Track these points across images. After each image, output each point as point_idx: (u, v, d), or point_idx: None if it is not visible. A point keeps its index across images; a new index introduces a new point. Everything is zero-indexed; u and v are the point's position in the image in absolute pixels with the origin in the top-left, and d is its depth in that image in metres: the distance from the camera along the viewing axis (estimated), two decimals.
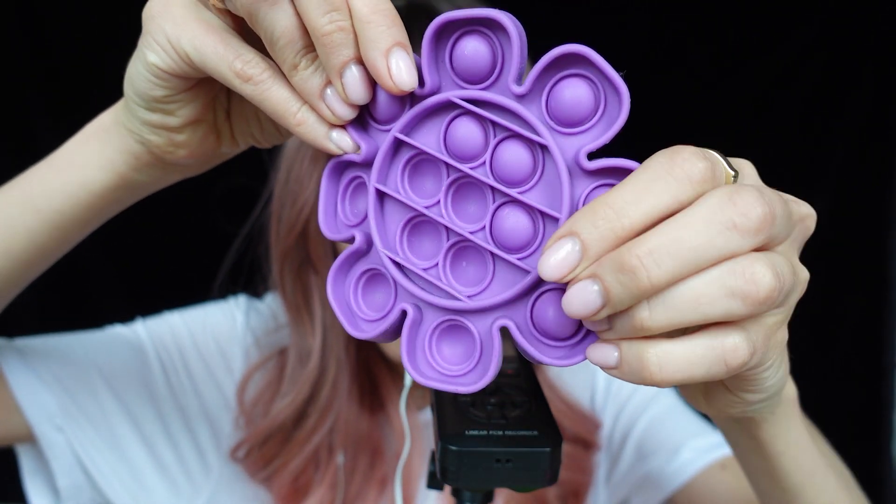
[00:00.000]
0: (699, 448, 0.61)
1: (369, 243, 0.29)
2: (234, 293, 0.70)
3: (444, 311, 0.27)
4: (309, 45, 0.27)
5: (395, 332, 0.28)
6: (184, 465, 0.61)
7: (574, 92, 0.25)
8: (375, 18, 0.25)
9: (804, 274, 0.28)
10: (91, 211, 0.38)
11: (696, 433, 0.63)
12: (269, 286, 0.67)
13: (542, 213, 0.26)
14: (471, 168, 0.27)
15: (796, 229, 0.28)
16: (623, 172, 0.25)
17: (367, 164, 0.29)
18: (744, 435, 0.36)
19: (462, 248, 0.28)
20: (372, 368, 0.63)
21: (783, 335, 0.27)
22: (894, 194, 1.22)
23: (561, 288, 0.25)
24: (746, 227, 0.22)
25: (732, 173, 0.26)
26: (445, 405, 0.33)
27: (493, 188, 0.27)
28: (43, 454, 0.55)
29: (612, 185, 0.25)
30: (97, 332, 0.60)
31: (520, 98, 0.26)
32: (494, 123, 0.27)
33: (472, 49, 0.26)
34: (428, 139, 0.28)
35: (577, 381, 0.70)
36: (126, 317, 0.65)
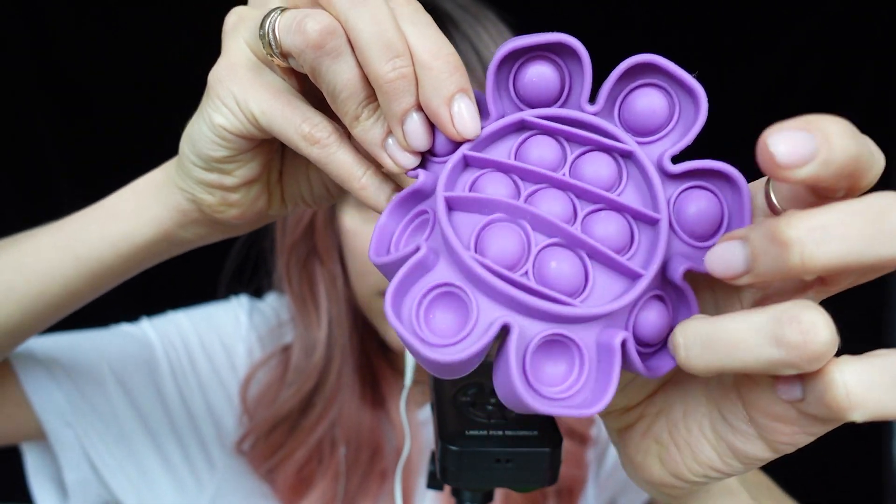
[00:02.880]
0: None
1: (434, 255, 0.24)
2: (237, 292, 0.70)
3: (545, 322, 0.23)
4: (371, 95, 0.27)
5: (482, 352, 0.24)
6: (189, 461, 0.61)
7: (648, 101, 0.25)
8: (438, 65, 0.25)
9: None
10: (130, 263, 0.38)
11: None
12: (274, 282, 0.67)
13: (636, 216, 0.25)
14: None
15: None
16: (709, 174, 0.25)
17: (423, 196, 0.26)
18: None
19: (546, 251, 0.24)
20: (373, 363, 0.64)
21: None
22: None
23: (657, 296, 0.24)
24: (801, 350, 0.20)
25: None
26: (445, 405, 0.33)
27: (578, 196, 0.25)
28: (52, 449, 0.55)
29: (700, 188, 0.25)
30: (106, 330, 0.61)
31: (594, 115, 0.25)
32: (570, 139, 0.26)
33: (539, 74, 0.25)
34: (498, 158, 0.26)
35: None
36: (130, 315, 0.65)
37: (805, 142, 0.20)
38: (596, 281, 0.24)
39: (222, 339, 0.65)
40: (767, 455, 0.25)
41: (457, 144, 0.26)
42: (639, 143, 0.25)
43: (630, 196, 0.25)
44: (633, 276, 0.24)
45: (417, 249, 0.24)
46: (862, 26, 1.18)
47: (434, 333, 0.24)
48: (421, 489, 0.62)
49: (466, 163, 0.26)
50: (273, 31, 0.27)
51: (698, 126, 0.25)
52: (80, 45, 1.09)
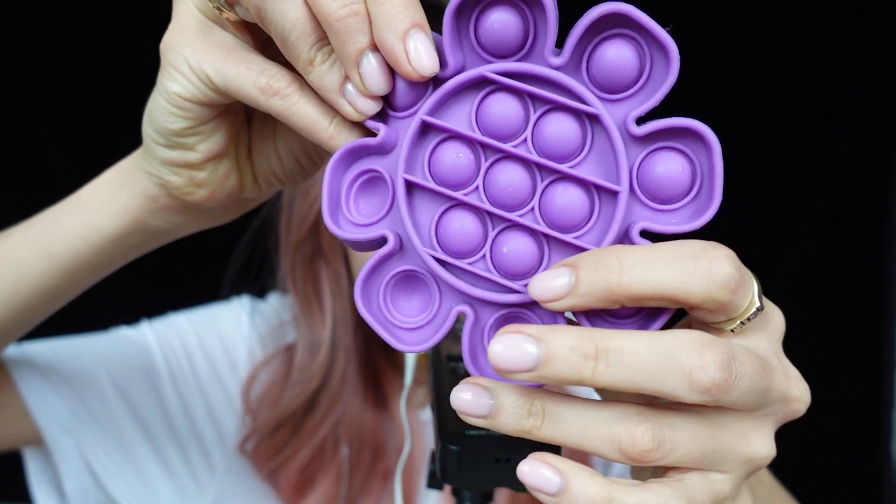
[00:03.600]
0: None
1: (400, 243, 0.26)
2: (241, 292, 0.70)
3: (500, 306, 0.25)
4: (323, 37, 0.25)
5: (444, 337, 0.26)
6: (189, 464, 0.61)
7: (617, 54, 0.24)
8: None
9: (762, 450, 0.25)
10: (104, 256, 0.37)
11: None
12: (277, 282, 0.67)
13: (598, 187, 0.24)
14: (512, 146, 0.25)
15: (774, 407, 0.25)
16: (677, 133, 0.24)
17: (382, 152, 0.26)
18: None
19: (504, 234, 0.25)
20: (376, 363, 0.64)
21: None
22: (894, 194, 1.22)
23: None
24: (698, 382, 0.21)
25: (757, 304, 0.24)
26: (445, 405, 0.33)
27: (538, 166, 0.25)
28: (51, 457, 0.55)
29: (667, 148, 0.24)
30: (104, 335, 0.61)
31: (559, 68, 0.24)
32: (534, 97, 0.24)
33: (501, 20, 0.24)
34: (457, 122, 0.25)
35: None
36: (131, 317, 0.65)
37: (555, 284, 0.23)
38: (551, 259, 0.25)
39: (223, 340, 0.65)
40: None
41: (419, 93, 0.25)
42: (606, 100, 0.24)
43: (593, 162, 0.25)
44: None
45: (384, 240, 0.25)
46: (860, 26, 1.18)
47: (401, 315, 0.26)
48: (422, 489, 0.62)
49: (425, 125, 0.25)
50: None
51: (668, 85, 0.23)
52: (81, 44, 1.09)
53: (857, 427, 1.24)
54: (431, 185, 0.25)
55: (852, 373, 1.24)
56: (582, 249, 0.24)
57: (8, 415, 0.53)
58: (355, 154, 0.26)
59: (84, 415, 0.55)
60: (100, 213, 0.36)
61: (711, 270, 0.22)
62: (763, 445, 0.24)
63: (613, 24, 0.24)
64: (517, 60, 0.25)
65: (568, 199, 0.24)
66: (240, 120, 0.33)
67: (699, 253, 0.22)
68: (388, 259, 0.26)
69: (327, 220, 0.26)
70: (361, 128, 0.27)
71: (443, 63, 0.25)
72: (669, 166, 0.24)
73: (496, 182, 0.25)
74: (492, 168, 0.25)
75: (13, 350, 0.54)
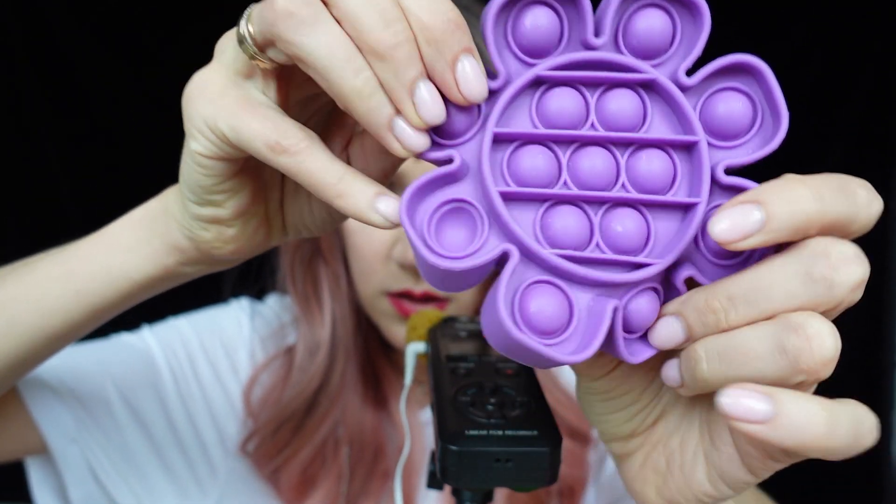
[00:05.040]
0: None
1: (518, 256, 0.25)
2: (240, 294, 0.70)
3: (631, 285, 0.25)
4: (366, 65, 0.23)
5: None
6: (192, 468, 0.61)
7: (648, 22, 0.25)
8: (437, 24, 0.23)
9: None
10: (130, 298, 0.38)
11: None
12: (277, 283, 0.68)
13: (673, 145, 0.25)
14: (581, 133, 0.25)
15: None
16: (726, 71, 0.26)
17: (454, 181, 0.25)
18: None
19: (608, 215, 0.25)
20: (375, 363, 0.64)
21: None
22: (894, 194, 1.22)
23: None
24: (839, 283, 0.22)
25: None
26: (445, 405, 0.33)
27: (613, 143, 0.25)
28: (56, 466, 0.55)
29: (722, 90, 0.26)
30: (107, 342, 0.61)
31: (601, 48, 0.25)
32: (586, 82, 0.25)
33: (536, 19, 0.25)
34: (522, 126, 0.25)
35: (574, 378, 0.70)
36: (131, 319, 0.65)
37: (746, 216, 0.22)
38: (658, 226, 0.25)
39: (224, 343, 0.65)
40: (750, 479, 0.25)
41: (467, 118, 0.25)
42: (652, 66, 0.25)
43: (660, 125, 0.26)
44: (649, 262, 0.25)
45: (505, 256, 0.24)
46: (860, 26, 1.18)
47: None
48: (422, 489, 0.62)
49: (495, 138, 0.25)
50: (248, 24, 0.25)
51: (703, 37, 0.25)
52: (82, 48, 1.09)
53: None
54: (526, 190, 0.25)
55: (852, 373, 1.24)
56: (683, 205, 0.25)
57: (15, 427, 0.53)
58: (431, 186, 0.25)
59: (89, 424, 0.56)
60: (128, 257, 0.36)
61: (869, 201, 0.24)
62: None
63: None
64: (560, 54, 0.25)
65: (651, 164, 0.25)
66: (267, 173, 0.33)
67: (854, 182, 0.23)
68: (517, 271, 0.24)
69: (429, 256, 0.24)
70: (376, 185, 0.26)
71: (490, 73, 0.25)
72: (729, 105, 0.25)
73: (580, 170, 0.25)
74: (571, 160, 0.25)
75: None
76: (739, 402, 0.21)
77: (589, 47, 0.25)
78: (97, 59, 1.09)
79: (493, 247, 0.24)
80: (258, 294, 0.72)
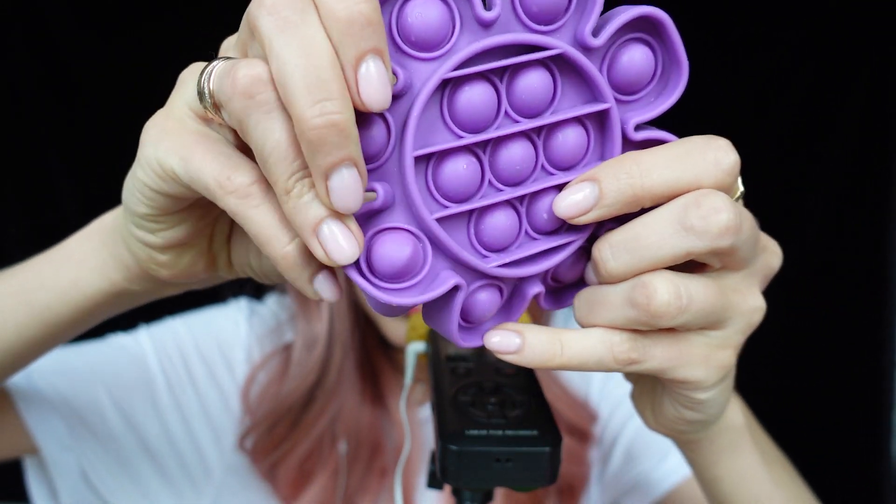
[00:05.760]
0: None
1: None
2: (240, 293, 0.70)
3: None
4: (305, 167, 0.22)
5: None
6: (186, 469, 0.61)
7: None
8: (346, 16, 0.21)
9: (755, 303, 0.28)
10: (81, 313, 0.37)
11: None
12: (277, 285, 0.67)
13: (588, 115, 0.26)
14: (496, 127, 0.25)
15: (760, 259, 0.29)
16: (628, 27, 0.26)
17: (385, 209, 0.25)
18: (684, 454, 0.37)
19: (532, 205, 0.27)
20: (373, 360, 0.64)
21: (724, 360, 0.28)
22: (894, 194, 1.22)
23: (584, 247, 0.28)
24: (705, 230, 0.24)
25: (741, 189, 0.27)
26: (445, 405, 0.33)
27: (530, 132, 0.26)
28: (48, 472, 0.56)
29: (622, 43, 0.26)
30: (100, 344, 0.61)
31: (492, 23, 0.24)
32: (491, 71, 0.24)
33: (422, 9, 0.23)
34: (436, 133, 0.25)
35: (574, 376, 0.71)
36: (130, 318, 0.65)
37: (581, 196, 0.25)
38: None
39: (220, 344, 0.65)
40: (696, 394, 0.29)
41: (379, 135, 0.23)
42: (547, 31, 0.25)
43: (571, 95, 0.26)
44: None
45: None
46: (860, 26, 1.18)
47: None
48: (421, 488, 0.62)
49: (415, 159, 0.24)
50: (209, 80, 0.24)
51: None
52: (83, 45, 1.09)
53: (856, 427, 1.24)
54: (459, 209, 0.25)
55: (852, 373, 1.24)
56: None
57: (8, 434, 0.53)
58: (363, 222, 0.24)
59: (82, 431, 0.56)
60: (79, 269, 0.35)
61: (718, 160, 0.25)
62: (756, 300, 0.28)
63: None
64: (457, 43, 0.24)
65: (567, 139, 0.26)
66: (216, 213, 0.31)
67: (704, 146, 0.25)
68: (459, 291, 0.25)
69: (382, 296, 0.24)
70: (318, 264, 0.25)
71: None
72: (631, 55, 0.26)
73: (501, 166, 0.26)
74: (492, 157, 0.26)
75: None
76: (500, 339, 0.26)
77: (484, 23, 0.24)
78: (97, 57, 1.09)
79: (445, 279, 0.25)
80: (259, 294, 0.72)
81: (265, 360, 0.64)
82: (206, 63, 0.26)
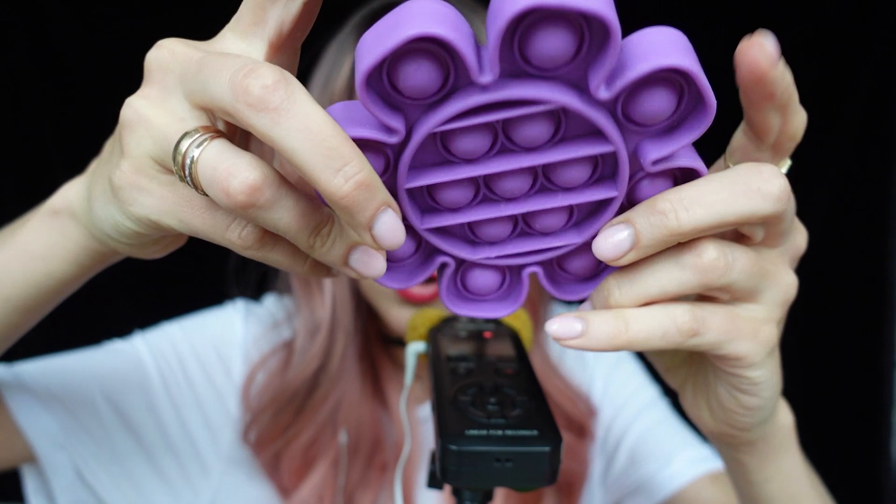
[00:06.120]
0: (690, 459, 0.63)
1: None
2: (241, 292, 0.71)
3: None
4: (321, 222, 0.25)
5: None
6: (184, 470, 0.61)
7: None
8: (346, 192, 0.22)
9: (791, 278, 0.30)
10: (59, 293, 0.38)
11: (688, 444, 0.65)
12: (279, 283, 0.68)
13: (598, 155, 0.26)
14: (496, 156, 0.26)
15: (791, 237, 0.30)
16: (645, 81, 0.24)
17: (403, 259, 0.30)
18: (735, 457, 0.37)
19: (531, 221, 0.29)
20: (374, 356, 0.65)
21: (769, 334, 0.29)
22: (894, 194, 1.22)
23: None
24: (769, 192, 0.25)
25: (789, 162, 0.30)
26: (445, 405, 0.33)
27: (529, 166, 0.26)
28: (44, 473, 0.56)
29: (646, 89, 0.24)
30: (96, 350, 0.61)
31: (487, 87, 0.23)
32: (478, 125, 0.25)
33: (416, 68, 0.23)
34: (435, 171, 0.26)
35: (576, 375, 0.71)
36: (128, 322, 0.66)
37: None
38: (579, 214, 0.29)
39: (217, 347, 0.65)
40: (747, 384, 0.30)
41: (381, 167, 0.26)
42: (551, 75, 0.24)
43: (574, 126, 0.25)
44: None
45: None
46: (861, 26, 1.18)
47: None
48: (421, 488, 0.62)
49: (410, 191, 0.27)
50: (190, 172, 0.24)
51: (615, 46, 0.22)
52: (82, 43, 1.09)
53: (857, 427, 1.24)
54: (452, 219, 0.28)
55: (852, 373, 1.24)
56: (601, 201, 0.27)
57: (2, 435, 0.53)
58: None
59: (76, 430, 0.56)
60: (47, 261, 0.35)
61: (763, 189, 0.25)
62: (791, 276, 0.30)
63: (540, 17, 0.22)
64: (450, 95, 0.24)
65: (568, 171, 0.26)
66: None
67: (747, 174, 0.25)
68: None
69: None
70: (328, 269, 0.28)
71: (386, 128, 0.24)
72: (651, 99, 0.24)
73: (496, 189, 0.27)
74: (488, 180, 0.27)
75: (3, 371, 0.55)
76: (559, 326, 0.27)
77: (480, 84, 0.23)
78: (97, 56, 1.09)
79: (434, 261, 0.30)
80: (257, 295, 0.72)
81: (264, 358, 0.65)
82: (151, 109, 0.26)
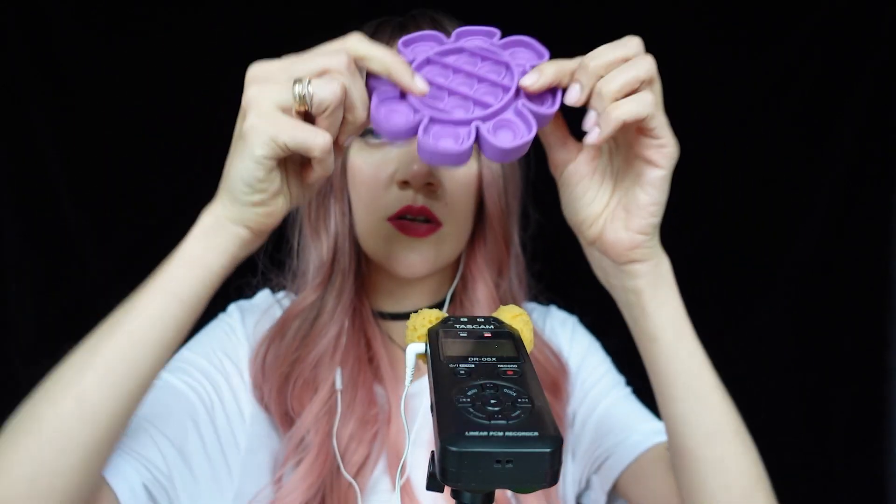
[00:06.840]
0: (647, 431, 0.70)
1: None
2: (240, 291, 0.74)
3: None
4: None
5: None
6: (215, 475, 0.63)
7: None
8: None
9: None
10: (213, 288, 0.49)
11: (645, 419, 0.73)
12: (285, 280, 0.74)
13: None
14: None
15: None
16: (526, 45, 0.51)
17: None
18: (635, 285, 0.51)
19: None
20: (366, 328, 0.71)
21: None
22: (894, 195, 1.22)
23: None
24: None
25: None
26: (445, 406, 0.33)
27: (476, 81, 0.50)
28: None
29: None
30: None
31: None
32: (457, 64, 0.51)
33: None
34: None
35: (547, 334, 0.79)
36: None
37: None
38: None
39: (227, 352, 0.69)
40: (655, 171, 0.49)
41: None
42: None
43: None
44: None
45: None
46: (861, 25, 1.18)
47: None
48: (421, 488, 0.62)
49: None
50: (307, 87, 0.44)
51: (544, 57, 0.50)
52: (82, 46, 1.09)
53: (857, 427, 1.24)
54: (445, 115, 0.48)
55: (853, 373, 1.24)
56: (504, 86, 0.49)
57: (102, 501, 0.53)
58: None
59: (150, 477, 0.57)
60: (207, 261, 0.48)
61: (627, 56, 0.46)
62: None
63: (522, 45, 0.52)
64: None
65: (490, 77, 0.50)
66: (283, 161, 0.48)
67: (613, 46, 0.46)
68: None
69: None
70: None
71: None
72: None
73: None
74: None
75: None
76: (590, 123, 0.47)
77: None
78: (97, 57, 1.09)
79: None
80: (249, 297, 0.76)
81: (265, 337, 0.69)
82: (274, 70, 0.46)
